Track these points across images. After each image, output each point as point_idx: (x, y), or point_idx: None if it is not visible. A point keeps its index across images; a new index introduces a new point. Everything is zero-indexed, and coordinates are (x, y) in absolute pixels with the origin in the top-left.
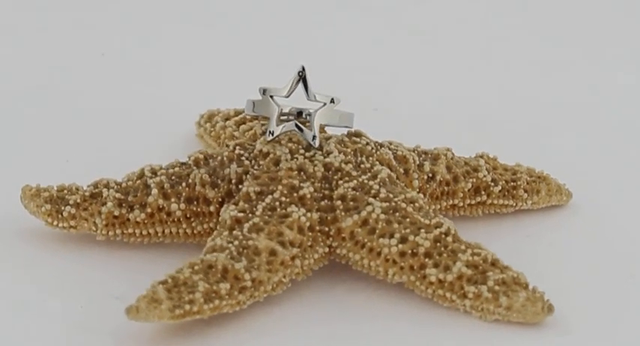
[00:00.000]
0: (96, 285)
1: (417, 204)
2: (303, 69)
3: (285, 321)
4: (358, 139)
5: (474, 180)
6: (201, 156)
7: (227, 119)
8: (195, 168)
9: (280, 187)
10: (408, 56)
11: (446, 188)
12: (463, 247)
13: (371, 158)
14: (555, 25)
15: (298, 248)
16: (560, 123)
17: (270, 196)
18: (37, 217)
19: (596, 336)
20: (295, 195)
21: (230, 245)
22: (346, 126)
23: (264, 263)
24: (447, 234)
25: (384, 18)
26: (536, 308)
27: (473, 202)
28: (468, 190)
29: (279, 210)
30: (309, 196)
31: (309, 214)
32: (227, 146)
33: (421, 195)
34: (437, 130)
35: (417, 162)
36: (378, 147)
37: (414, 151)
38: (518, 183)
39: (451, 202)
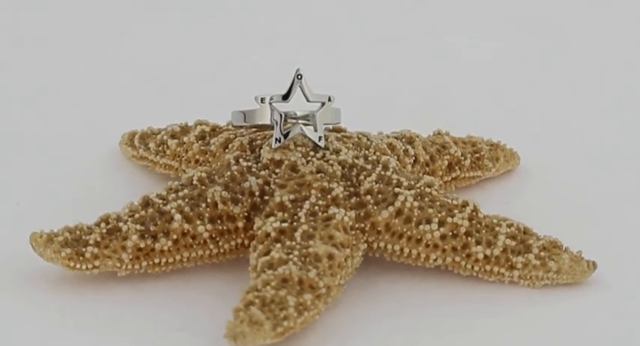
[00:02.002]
0: (148, 321)
1: (435, 187)
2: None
3: (355, 320)
4: (348, 134)
5: (448, 156)
6: (205, 175)
7: (173, 136)
8: (204, 187)
9: (313, 191)
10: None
11: (427, 168)
12: (495, 221)
13: (371, 150)
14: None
15: (348, 248)
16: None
17: (307, 202)
18: (54, 263)
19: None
20: (329, 196)
21: (291, 256)
22: (337, 123)
23: (327, 268)
24: (475, 210)
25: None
26: (582, 266)
27: (448, 178)
28: (445, 168)
29: (320, 214)
30: (341, 196)
31: (348, 213)
32: (228, 160)
33: (433, 178)
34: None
35: (403, 148)
36: (366, 138)
37: (390, 137)
38: (482, 153)
39: None
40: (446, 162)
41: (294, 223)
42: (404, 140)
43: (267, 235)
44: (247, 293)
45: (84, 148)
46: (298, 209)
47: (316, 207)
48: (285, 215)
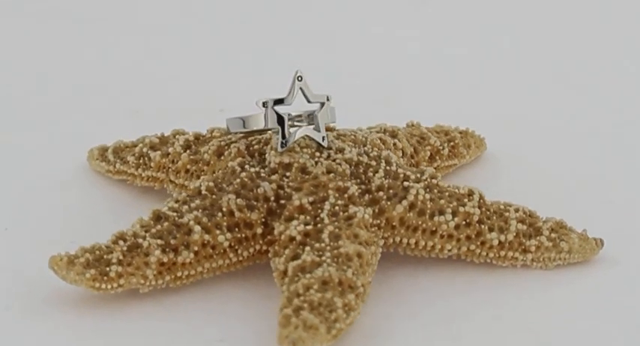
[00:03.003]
0: (183, 336)
1: (439, 178)
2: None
3: (388, 317)
4: (342, 131)
5: (429, 147)
6: (212, 184)
7: (153, 148)
8: (214, 196)
9: (330, 191)
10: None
11: (412, 160)
12: (502, 206)
13: (368, 146)
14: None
15: (372, 245)
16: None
17: (326, 202)
18: (77, 285)
19: None
20: (346, 195)
21: (323, 258)
22: (334, 122)
23: (359, 267)
24: (482, 198)
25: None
26: (591, 244)
27: None
28: (427, 158)
29: (341, 213)
30: (356, 194)
31: (367, 211)
32: (233, 167)
33: (433, 169)
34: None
35: (392, 141)
36: (361, 134)
37: (374, 132)
38: (456, 141)
39: None
40: (428, 153)
41: (318, 225)
42: (387, 134)
43: (292, 239)
44: (290, 299)
45: (48, 167)
46: (319, 210)
47: (336, 207)
48: (307, 217)
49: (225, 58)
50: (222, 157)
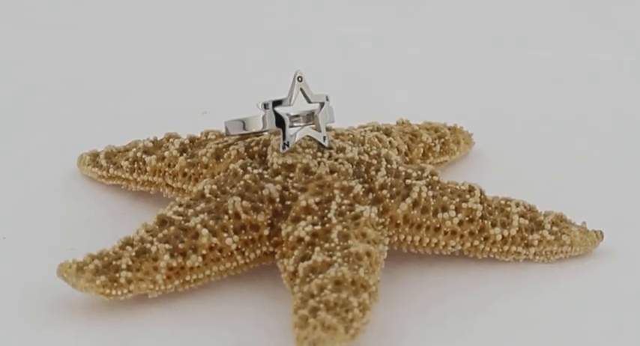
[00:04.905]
0: (198, 340)
1: (439, 175)
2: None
3: (400, 314)
4: (339, 131)
5: (421, 144)
6: (215, 187)
7: (147, 152)
8: (218, 199)
9: (336, 191)
10: None
11: (406, 158)
12: (502, 201)
13: (367, 144)
14: None
15: (379, 244)
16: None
17: (333, 202)
18: (87, 292)
19: None
20: (351, 195)
21: (334, 257)
22: (332, 121)
23: (369, 266)
24: (482, 193)
25: None
26: (591, 237)
27: None
28: (420, 155)
29: (348, 213)
30: (361, 193)
31: (373, 210)
32: (235, 169)
33: (432, 166)
34: None
35: (388, 139)
36: (359, 133)
37: (368, 131)
38: (446, 138)
39: None
40: (421, 150)
41: (327, 225)
42: (381, 132)
43: (300, 240)
44: (304, 300)
45: (38, 174)
46: (326, 210)
47: (343, 207)
48: (314, 218)
49: (205, 59)
50: (221, 160)
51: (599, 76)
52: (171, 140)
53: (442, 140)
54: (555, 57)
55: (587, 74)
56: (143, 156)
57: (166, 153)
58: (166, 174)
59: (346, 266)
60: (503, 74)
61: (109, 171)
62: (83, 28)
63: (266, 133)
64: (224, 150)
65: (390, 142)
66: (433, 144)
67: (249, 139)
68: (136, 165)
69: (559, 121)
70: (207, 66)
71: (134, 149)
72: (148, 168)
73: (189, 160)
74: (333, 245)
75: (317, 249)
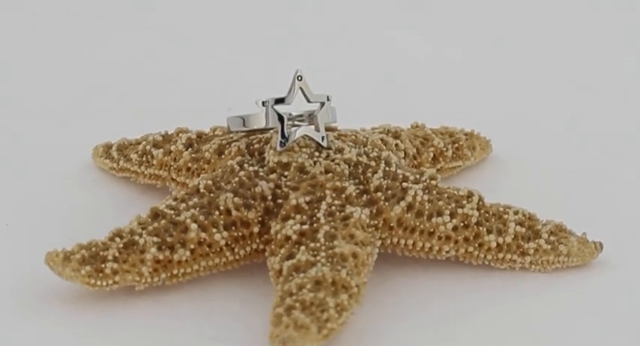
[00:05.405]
0: (177, 333)
1: (438, 179)
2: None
3: (383, 317)
4: (343, 132)
5: (432, 148)
6: (211, 183)
7: (156, 145)
8: (212, 194)
9: (328, 191)
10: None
11: (415, 162)
12: (501, 209)
13: (369, 146)
14: None
15: (368, 246)
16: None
17: (323, 202)
18: (73, 282)
19: None
20: (343, 196)
21: (318, 257)
22: (334, 121)
23: (354, 267)
24: (481, 200)
25: None
26: (590, 248)
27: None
28: (430, 160)
29: (338, 213)
30: (354, 195)
31: (364, 211)
32: (232, 165)
33: (434, 170)
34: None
35: (394, 142)
36: (362, 135)
37: (377, 133)
38: (460, 143)
39: None
40: (431, 154)
41: (314, 224)
42: (390, 134)
43: (288, 238)
44: (283, 298)
45: (54, 164)
46: (316, 210)
47: (333, 207)
48: (304, 217)
49: (233, 57)
50: (223, 156)
51: (629, 84)
52: (180, 134)
53: (456, 145)
54: (586, 64)
55: (616, 82)
56: (152, 149)
57: (172, 148)
58: (171, 168)
59: (329, 266)
60: (529, 80)
61: (119, 163)
62: (111, 20)
63: (272, 131)
64: (227, 146)
65: (396, 145)
66: (445, 148)
67: (252, 137)
68: (144, 159)
69: (583, 131)
70: (235, 63)
71: (144, 142)
72: (154, 162)
73: (193, 155)
74: (318, 245)
75: (302, 248)
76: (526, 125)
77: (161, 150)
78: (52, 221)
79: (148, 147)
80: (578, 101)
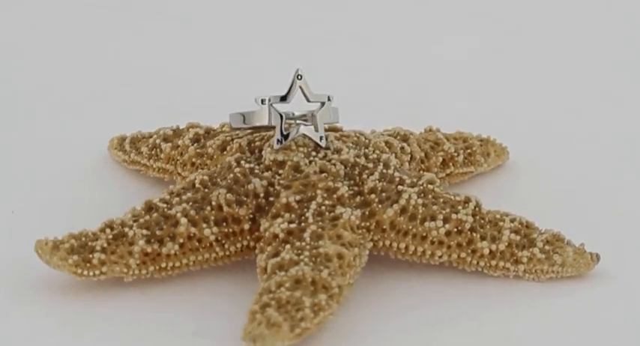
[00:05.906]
0: (161, 326)
1: (437, 184)
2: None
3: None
4: (346, 133)
5: (442, 153)
6: (207, 178)
7: (166, 139)
8: (207, 189)
9: (319, 191)
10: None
11: (422, 165)
12: (498, 216)
13: (370, 148)
14: None
15: (356, 247)
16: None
17: (313, 202)
18: (60, 271)
19: None
20: (335, 196)
21: (301, 257)
22: (336, 122)
23: (338, 268)
24: (478, 206)
25: None
26: (586, 259)
27: (443, 175)
28: (439, 164)
29: (327, 213)
30: (346, 195)
31: (355, 212)
32: (229, 162)
33: (433, 175)
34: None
35: (400, 145)
36: (364, 136)
37: (385, 135)
38: (474, 149)
39: None
40: (440, 159)
41: (302, 224)
42: (398, 138)
43: (275, 236)
44: (261, 296)
45: (71, 154)
46: (305, 209)
47: (323, 207)
48: (292, 216)
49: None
50: (225, 152)
51: None
52: (190, 129)
53: (468, 151)
54: (610, 73)
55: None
56: (161, 143)
57: (179, 142)
58: (178, 162)
59: (310, 265)
60: (555, 88)
61: (131, 156)
62: (131, 15)
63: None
64: (230, 142)
65: (402, 148)
66: (456, 153)
67: (256, 134)
68: (153, 152)
69: (604, 142)
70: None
71: (155, 136)
72: (162, 156)
73: (198, 150)
74: (304, 244)
75: (287, 246)
76: (548, 133)
77: (169, 144)
78: (58, 211)
79: (158, 141)
80: (602, 111)
